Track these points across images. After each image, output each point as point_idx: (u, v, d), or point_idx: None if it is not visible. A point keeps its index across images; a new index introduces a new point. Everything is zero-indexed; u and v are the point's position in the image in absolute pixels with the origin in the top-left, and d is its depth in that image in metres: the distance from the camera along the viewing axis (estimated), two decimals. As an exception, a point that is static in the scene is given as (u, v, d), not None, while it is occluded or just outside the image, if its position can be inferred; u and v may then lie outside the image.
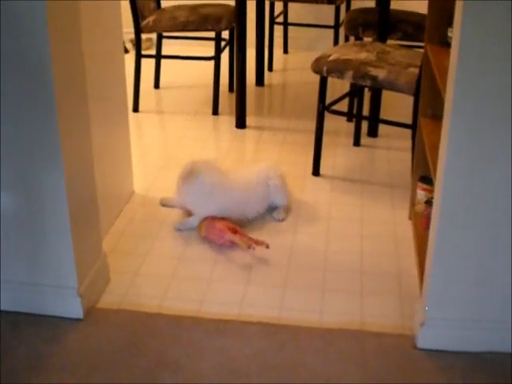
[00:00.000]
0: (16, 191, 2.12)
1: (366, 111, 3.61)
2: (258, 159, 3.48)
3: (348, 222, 2.90)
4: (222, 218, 2.75)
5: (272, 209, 2.94)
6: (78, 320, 2.26)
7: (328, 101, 3.20)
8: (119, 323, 2.25)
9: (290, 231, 2.82)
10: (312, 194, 3.12)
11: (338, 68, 2.99)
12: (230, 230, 2.65)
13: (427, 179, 2.70)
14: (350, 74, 2.96)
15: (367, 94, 3.69)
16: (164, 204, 2.98)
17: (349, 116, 3.54)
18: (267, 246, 2.59)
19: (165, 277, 2.51)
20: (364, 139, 3.64)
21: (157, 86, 4.39)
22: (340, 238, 2.78)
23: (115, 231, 2.79)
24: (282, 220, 2.89)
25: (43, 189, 2.10)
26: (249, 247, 2.57)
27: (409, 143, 3.14)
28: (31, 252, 2.20)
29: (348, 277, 2.53)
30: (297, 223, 2.88)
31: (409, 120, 3.09)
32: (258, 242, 2.60)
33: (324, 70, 3.02)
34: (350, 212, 2.97)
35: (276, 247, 2.68)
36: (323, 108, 3.16)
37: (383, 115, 3.58)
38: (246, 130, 3.81)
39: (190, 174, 2.77)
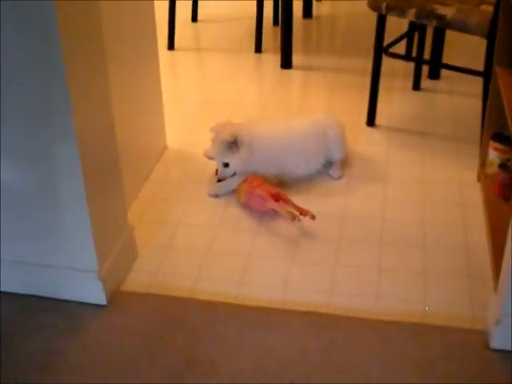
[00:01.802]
0: (20, 159, 1.82)
1: (426, 53, 3.18)
2: (305, 106, 3.12)
3: (407, 183, 2.54)
4: (264, 179, 2.42)
5: (326, 165, 2.60)
6: (99, 306, 1.99)
7: (385, 41, 2.80)
8: (146, 311, 1.98)
9: (342, 194, 2.49)
10: (366, 148, 2.76)
11: (400, 5, 2.58)
12: (273, 196, 2.33)
13: (502, 137, 2.33)
14: (412, 12, 2.55)
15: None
16: (208, 156, 2.66)
17: (409, 60, 3.11)
18: (313, 217, 2.26)
19: (199, 251, 2.22)
20: (424, 82, 3.23)
21: (194, 18, 4.00)
22: (398, 203, 2.44)
23: (144, 195, 2.49)
24: (340, 178, 2.56)
25: (53, 155, 1.79)
26: (293, 219, 2.25)
27: (476, 87, 2.74)
28: (43, 229, 1.92)
29: (408, 252, 2.20)
30: (349, 184, 2.54)
31: (476, 66, 2.67)
32: (303, 212, 2.28)
33: (383, 7, 2.61)
34: (409, 171, 2.61)
35: (325, 215, 2.35)
36: (380, 50, 2.76)
37: (446, 59, 3.15)
38: (292, 71, 3.43)
39: (229, 144, 2.43)
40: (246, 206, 2.40)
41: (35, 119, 1.74)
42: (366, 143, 2.80)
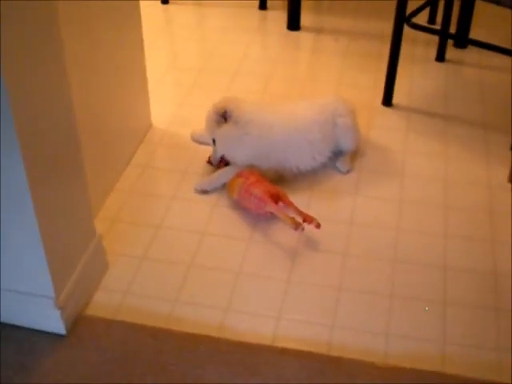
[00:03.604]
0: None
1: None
2: (313, 78, 2.73)
3: (427, 180, 2.19)
4: (262, 175, 2.07)
5: (333, 156, 2.24)
6: (58, 336, 1.67)
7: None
8: (112, 345, 1.66)
9: (350, 193, 2.14)
10: (381, 133, 2.40)
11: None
12: (272, 196, 1.98)
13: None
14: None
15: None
16: (196, 139, 2.30)
17: (434, 33, 2.69)
18: (318, 226, 1.92)
19: (180, 264, 1.89)
20: (450, 51, 2.83)
21: (193, -34, 3.56)
22: (416, 207, 2.09)
23: (122, 187, 2.15)
24: (348, 172, 2.20)
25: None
26: (296, 228, 1.90)
27: (508, 60, 2.36)
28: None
29: (426, 274, 1.87)
30: (359, 180, 2.19)
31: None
32: (307, 219, 1.94)
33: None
34: (429, 165, 2.26)
35: (330, 220, 2.01)
36: (402, 20, 2.36)
37: (474, 33, 2.75)
38: (300, 33, 3.03)
39: (217, 117, 2.08)
40: (238, 204, 2.06)
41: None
42: (381, 127, 2.43)
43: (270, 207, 1.96)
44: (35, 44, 1.38)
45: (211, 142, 2.15)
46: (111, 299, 1.78)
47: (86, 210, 1.73)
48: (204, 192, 2.12)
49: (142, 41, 2.24)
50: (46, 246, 1.53)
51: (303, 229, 1.92)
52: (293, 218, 1.92)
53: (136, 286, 1.82)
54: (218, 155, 2.15)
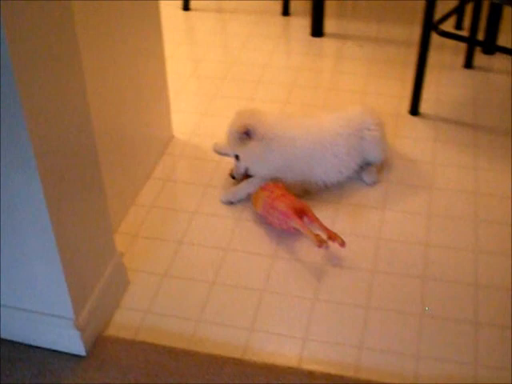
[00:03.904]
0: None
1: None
2: (337, 86, 2.67)
3: (457, 193, 2.12)
4: (287, 188, 2.02)
5: (359, 167, 2.18)
6: (77, 358, 1.63)
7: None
8: (132, 367, 1.61)
9: (378, 206, 2.08)
10: (408, 144, 2.33)
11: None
12: (296, 211, 1.92)
13: None
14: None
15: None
16: (218, 151, 2.25)
17: (462, 40, 2.61)
18: (342, 244, 1.87)
19: (203, 282, 1.84)
20: (478, 58, 2.76)
21: (214, -28, 3.51)
22: (446, 222, 2.02)
23: (143, 201, 2.10)
24: (374, 184, 2.14)
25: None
26: (320, 245, 1.85)
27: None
28: (5, 266, 1.55)
29: (456, 293, 1.80)
30: (386, 193, 2.12)
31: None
32: (331, 236, 1.88)
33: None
34: (459, 177, 2.19)
35: (357, 235, 1.96)
36: (429, 27, 2.29)
37: (502, 40, 2.68)
38: (324, 40, 2.97)
39: (240, 134, 2.03)
40: (261, 217, 2.00)
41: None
42: (408, 137, 2.36)
43: (295, 223, 1.91)
44: (50, 51, 1.33)
45: (233, 157, 2.09)
46: (132, 318, 1.74)
47: (105, 226, 1.68)
48: (229, 203, 2.07)
49: (162, 48, 2.19)
50: (64, 266, 1.49)
51: (328, 246, 1.86)
52: (317, 235, 1.87)
53: (157, 304, 1.77)
54: (242, 170, 2.09)
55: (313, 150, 2.07)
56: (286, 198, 1.96)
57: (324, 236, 1.88)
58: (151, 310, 1.76)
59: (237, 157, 2.08)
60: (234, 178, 2.12)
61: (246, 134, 2.01)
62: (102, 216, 1.65)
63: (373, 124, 2.14)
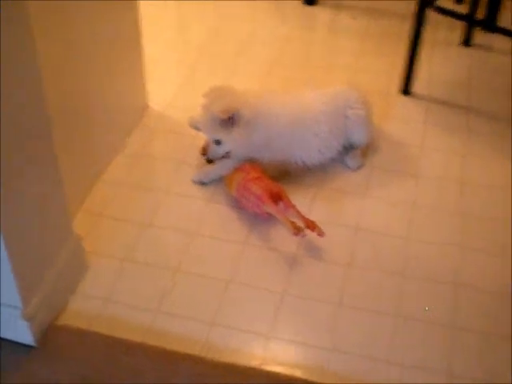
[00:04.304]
0: None
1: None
2: (328, 60, 2.52)
3: (444, 183, 2.00)
4: (264, 169, 1.89)
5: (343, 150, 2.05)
6: (27, 348, 1.52)
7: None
8: (81, 360, 1.51)
9: (358, 193, 1.95)
10: (397, 125, 2.20)
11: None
12: (272, 196, 1.80)
13: None
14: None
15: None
16: (195, 126, 2.09)
17: (460, 18, 2.45)
18: (321, 234, 1.75)
19: (166, 269, 1.72)
20: (477, 35, 2.60)
21: None
22: (430, 215, 1.90)
23: (112, 177, 1.98)
24: (358, 168, 2.02)
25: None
26: (297, 233, 1.73)
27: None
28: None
29: (437, 292, 1.68)
30: (370, 178, 2.00)
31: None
32: (309, 225, 1.76)
33: None
34: (448, 164, 2.07)
35: (334, 224, 1.84)
36: (425, 3, 2.14)
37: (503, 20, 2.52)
38: (317, 9, 2.82)
39: (222, 119, 1.88)
40: (235, 202, 1.88)
41: None
42: (397, 119, 2.23)
43: (269, 208, 1.79)
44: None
45: (212, 141, 1.94)
46: (88, 307, 1.63)
47: (59, 207, 1.55)
48: (201, 183, 1.95)
49: (136, 10, 2.03)
50: (10, 251, 1.37)
51: (304, 235, 1.74)
52: (294, 223, 1.75)
53: (116, 292, 1.66)
54: (222, 154, 1.95)
55: (292, 128, 1.94)
56: (262, 181, 1.84)
57: (301, 224, 1.76)
58: (109, 299, 1.65)
59: (217, 141, 1.93)
60: (210, 161, 1.97)
61: (229, 120, 1.87)
62: (55, 195, 1.52)
63: (357, 102, 2.01)
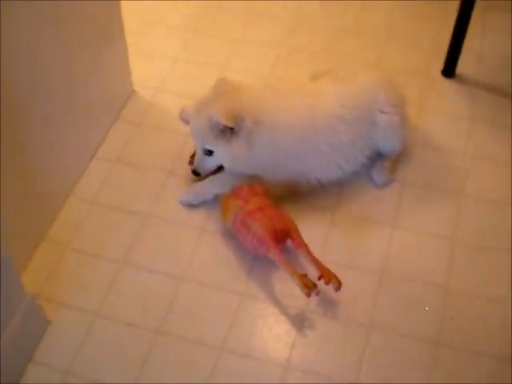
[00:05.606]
0: None
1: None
2: (351, 43, 2.07)
3: (494, 206, 1.60)
4: (267, 192, 1.52)
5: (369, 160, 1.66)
6: None
7: None
8: None
9: (387, 220, 1.59)
10: (436, 121, 1.82)
11: None
12: (277, 235, 1.43)
13: None
14: None
15: None
16: (187, 120, 1.67)
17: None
18: (338, 288, 1.40)
19: (145, 328, 1.39)
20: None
21: None
22: (475, 255, 1.52)
23: (80, 196, 1.62)
24: (386, 185, 1.64)
25: None
26: (308, 294, 1.36)
27: None
28: None
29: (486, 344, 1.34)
30: (401, 198, 1.62)
31: None
32: (323, 274, 1.40)
33: None
34: (499, 178, 1.66)
35: (355, 266, 1.50)
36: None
37: None
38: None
39: (220, 127, 1.50)
40: (233, 233, 1.52)
41: None
42: (437, 111, 1.84)
43: (274, 255, 1.42)
44: None
45: (201, 150, 1.56)
46: (47, 378, 1.31)
47: (8, 270, 1.21)
48: (190, 205, 1.59)
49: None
50: None
51: (318, 293, 1.39)
52: (304, 277, 1.38)
53: (79, 361, 1.34)
54: (212, 168, 1.58)
55: (303, 140, 1.54)
56: (264, 215, 1.46)
57: (312, 268, 1.40)
58: (71, 371, 1.32)
59: (209, 152, 1.55)
60: (197, 174, 1.60)
61: (229, 130, 1.48)
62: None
63: (389, 104, 1.60)
